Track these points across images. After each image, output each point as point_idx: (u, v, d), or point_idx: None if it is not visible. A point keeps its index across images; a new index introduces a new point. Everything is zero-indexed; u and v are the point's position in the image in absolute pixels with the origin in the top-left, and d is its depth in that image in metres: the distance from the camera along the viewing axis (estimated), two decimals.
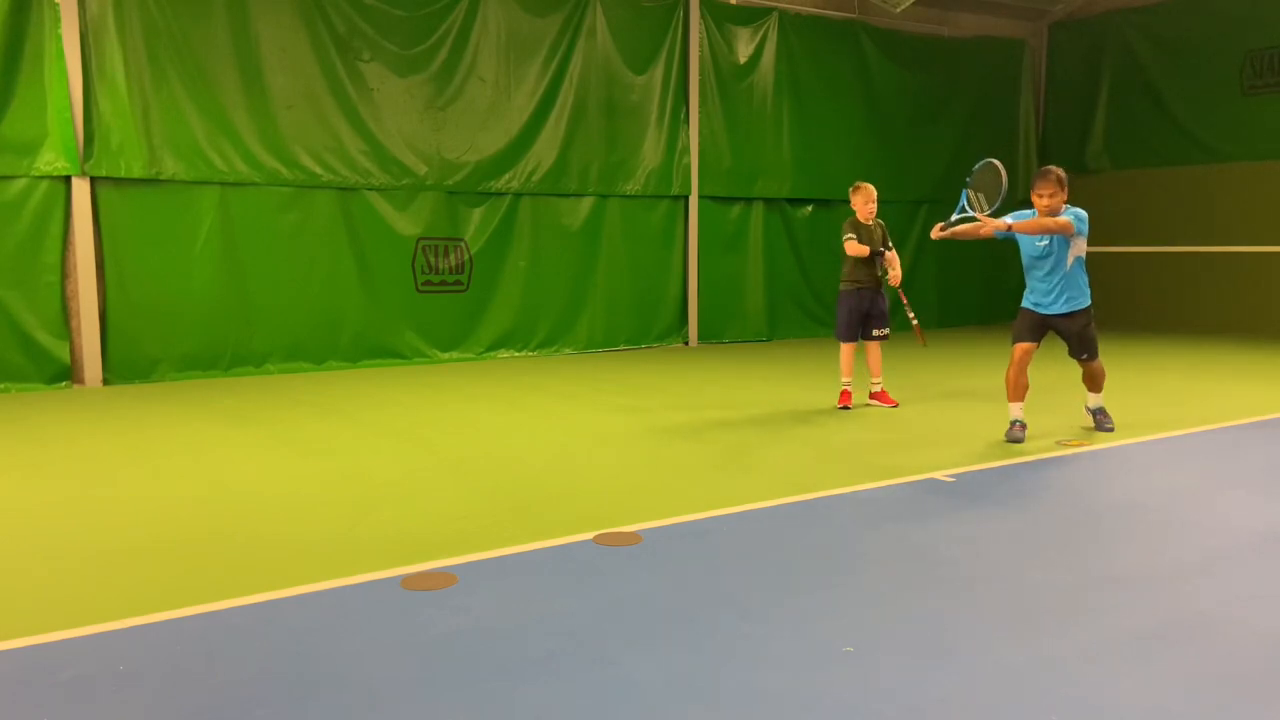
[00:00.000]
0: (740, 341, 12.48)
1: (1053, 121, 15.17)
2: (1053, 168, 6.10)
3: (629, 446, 6.20)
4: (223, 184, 9.28)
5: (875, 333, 7.50)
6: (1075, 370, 9.34)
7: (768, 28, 12.35)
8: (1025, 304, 6.33)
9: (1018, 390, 6.18)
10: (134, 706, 2.71)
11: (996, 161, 6.30)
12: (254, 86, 9.35)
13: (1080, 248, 6.10)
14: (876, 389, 7.60)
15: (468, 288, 10.71)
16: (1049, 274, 6.14)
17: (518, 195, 10.88)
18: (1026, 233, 6.10)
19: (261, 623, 3.31)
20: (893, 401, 7.53)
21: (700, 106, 11.92)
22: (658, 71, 11.62)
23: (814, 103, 12.79)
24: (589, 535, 4.23)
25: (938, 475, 5.30)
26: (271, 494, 5.04)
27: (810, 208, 13.05)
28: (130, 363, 9.00)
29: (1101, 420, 6.48)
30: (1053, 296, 6.16)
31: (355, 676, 2.89)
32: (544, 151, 10.92)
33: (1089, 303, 6.21)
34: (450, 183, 10.45)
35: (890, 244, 7.57)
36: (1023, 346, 6.20)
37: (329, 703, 2.73)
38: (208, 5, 9.09)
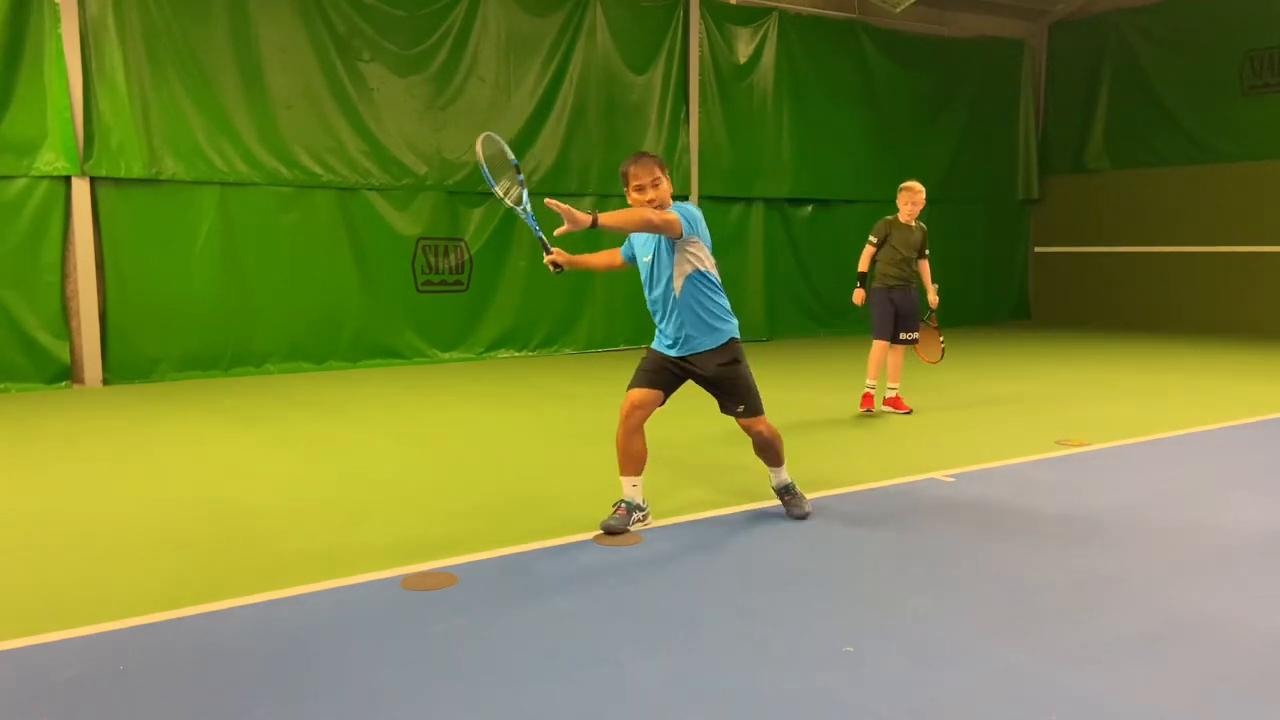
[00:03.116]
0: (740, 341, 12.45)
1: (1053, 121, 15.17)
2: (645, 151, 4.43)
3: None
4: (223, 184, 9.28)
5: (902, 335, 7.22)
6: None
7: (768, 28, 12.35)
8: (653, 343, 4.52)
9: (628, 458, 4.35)
10: (134, 706, 2.71)
11: (490, 135, 4.47)
12: (254, 86, 9.35)
13: (698, 262, 4.24)
14: (891, 394, 7.26)
15: (468, 288, 10.71)
16: (657, 302, 4.33)
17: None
18: (618, 228, 4.08)
19: (261, 623, 3.31)
20: (906, 408, 7.23)
21: (700, 106, 11.92)
22: (657, 71, 11.62)
23: (814, 103, 12.79)
24: (589, 535, 4.23)
25: (937, 475, 5.30)
26: (271, 494, 5.04)
27: (810, 208, 13.05)
28: (130, 362, 9.00)
29: (791, 504, 4.58)
30: (670, 334, 4.33)
31: (355, 676, 2.89)
32: (544, 151, 10.92)
33: (728, 337, 4.36)
34: (450, 183, 10.45)
35: (927, 251, 7.28)
36: (633, 396, 4.31)
37: (328, 703, 2.73)
38: (208, 5, 9.09)
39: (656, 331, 4.42)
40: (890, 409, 7.24)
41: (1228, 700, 2.73)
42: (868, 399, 7.21)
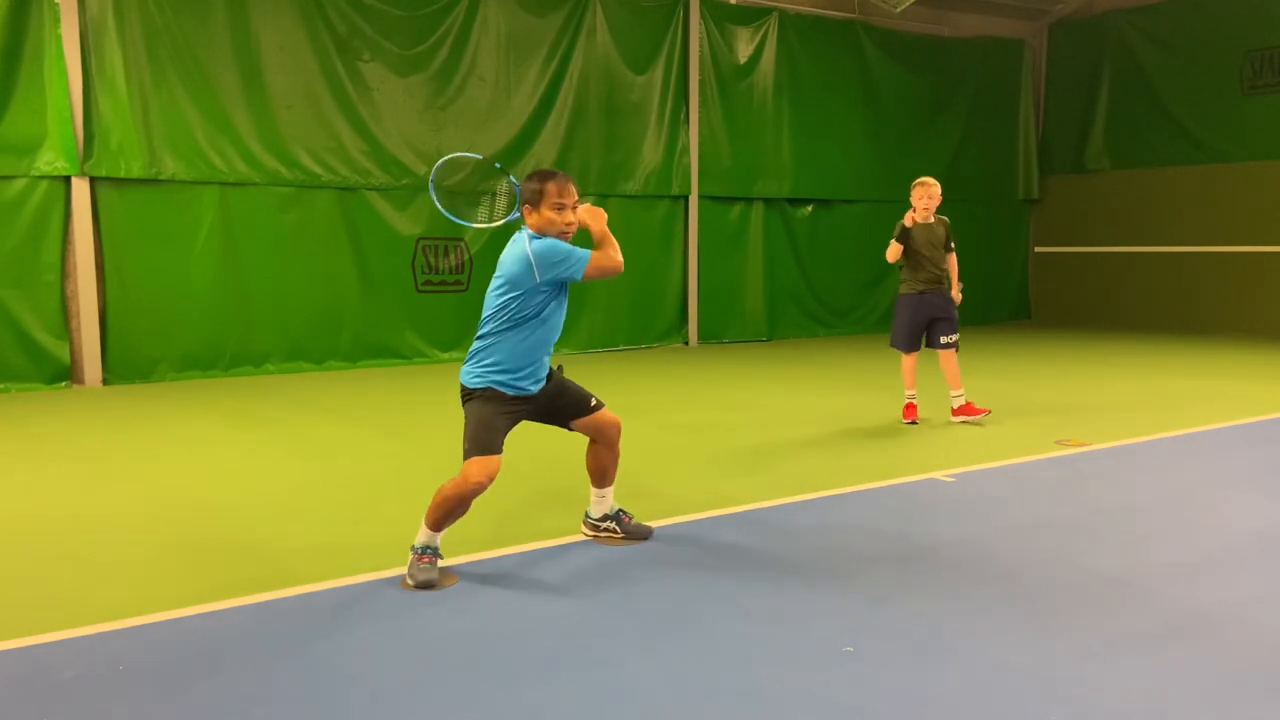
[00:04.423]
0: (740, 341, 12.48)
1: (1053, 121, 15.16)
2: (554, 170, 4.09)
3: (629, 447, 6.16)
4: (222, 184, 9.27)
5: (942, 339, 6.71)
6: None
7: (768, 28, 12.35)
8: (505, 384, 3.85)
9: (453, 518, 3.75)
10: (134, 706, 2.71)
11: (456, 157, 4.48)
12: (254, 86, 9.34)
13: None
14: (959, 402, 6.78)
15: (468, 287, 10.71)
16: (549, 340, 3.98)
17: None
18: (606, 268, 3.82)
19: (261, 622, 3.31)
20: (979, 411, 6.74)
21: (700, 106, 11.92)
22: (658, 71, 11.62)
23: (814, 103, 12.78)
24: (591, 535, 4.22)
25: (938, 475, 5.30)
26: (272, 494, 5.04)
27: (810, 208, 13.05)
28: (130, 363, 9.00)
29: (632, 529, 4.20)
30: (542, 373, 3.99)
31: (355, 676, 2.89)
32: (544, 151, 10.91)
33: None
34: (450, 183, 10.39)
35: (952, 245, 6.82)
36: (495, 465, 3.71)
37: (328, 702, 2.73)
38: (207, 5, 9.08)
39: (517, 380, 3.84)
40: (964, 418, 6.75)
41: (1227, 699, 2.74)
42: (909, 409, 6.77)
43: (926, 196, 6.66)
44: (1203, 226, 13.31)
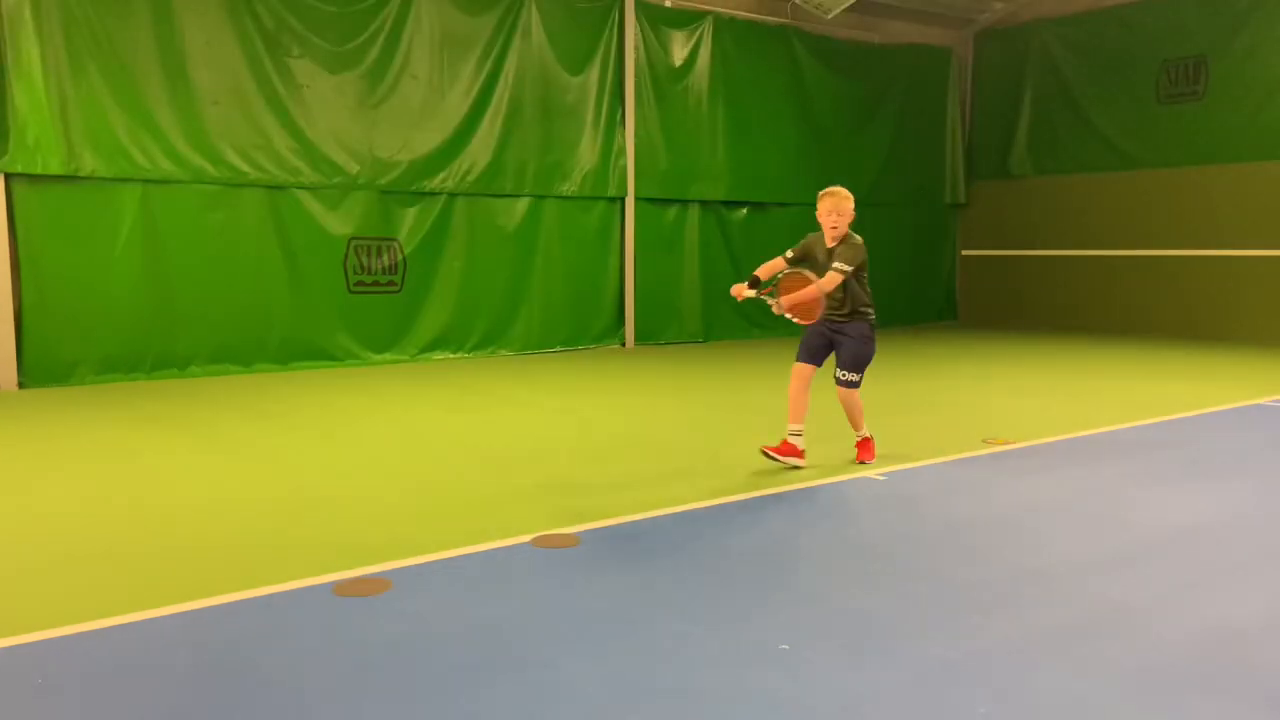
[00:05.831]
0: (677, 343, 12.54)
1: (979, 128, 15.55)
2: None
3: (566, 448, 6.19)
4: (145, 181, 9.01)
5: (837, 374, 5.57)
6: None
7: (702, 31, 12.44)
8: None
9: None
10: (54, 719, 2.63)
11: None
12: (178, 81, 9.09)
13: None
14: (860, 437, 5.70)
15: (401, 288, 10.58)
16: None
17: (452, 195, 10.77)
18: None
19: (188, 632, 3.22)
20: (870, 456, 5.65)
21: (636, 108, 11.95)
22: (593, 73, 11.62)
23: (748, 106, 12.91)
24: (527, 538, 4.21)
25: (870, 474, 5.39)
26: (197, 500, 4.91)
27: (745, 210, 13.17)
28: (47, 365, 8.69)
29: None
30: None
31: (287, 685, 2.83)
32: (479, 151, 10.84)
33: None
34: (383, 182, 10.31)
35: (836, 268, 5.34)
36: None
37: (259, 713, 2.67)
38: None
39: None
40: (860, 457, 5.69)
41: (1148, 690, 2.84)
42: (785, 447, 5.47)
43: (832, 212, 5.41)
44: (1120, 231, 13.77)
